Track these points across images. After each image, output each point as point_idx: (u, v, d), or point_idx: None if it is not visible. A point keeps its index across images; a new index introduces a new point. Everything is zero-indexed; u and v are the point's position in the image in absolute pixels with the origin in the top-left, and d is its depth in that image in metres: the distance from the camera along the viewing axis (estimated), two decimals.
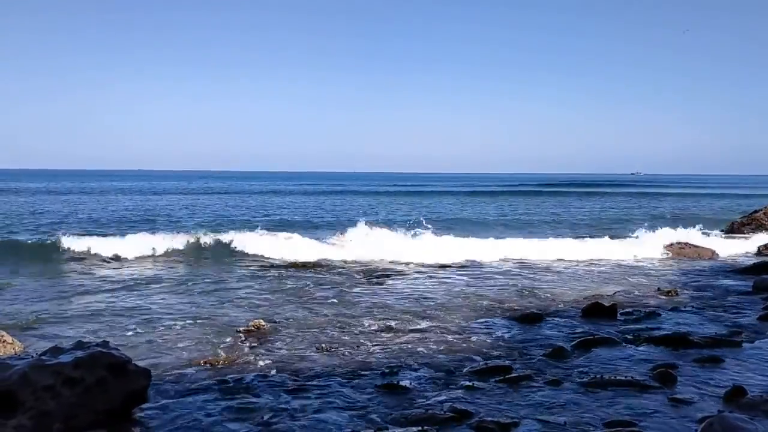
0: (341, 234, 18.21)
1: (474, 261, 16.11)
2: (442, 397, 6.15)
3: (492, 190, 65.29)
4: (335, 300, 11.08)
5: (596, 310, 10.01)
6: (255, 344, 8.19)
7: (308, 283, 12.87)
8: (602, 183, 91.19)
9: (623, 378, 6.61)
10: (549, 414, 5.67)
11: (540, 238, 20.05)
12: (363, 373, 7.02)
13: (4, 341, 7.42)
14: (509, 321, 9.61)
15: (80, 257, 15.76)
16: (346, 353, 7.84)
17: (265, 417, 5.61)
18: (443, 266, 15.16)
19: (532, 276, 14.06)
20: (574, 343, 8.22)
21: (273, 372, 7.02)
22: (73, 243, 16.38)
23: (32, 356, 5.41)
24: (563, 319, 9.75)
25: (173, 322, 9.27)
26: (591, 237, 20.74)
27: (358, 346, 8.11)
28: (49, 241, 17.34)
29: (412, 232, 18.15)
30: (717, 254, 17.98)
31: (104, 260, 15.51)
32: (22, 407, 4.76)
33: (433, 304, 10.86)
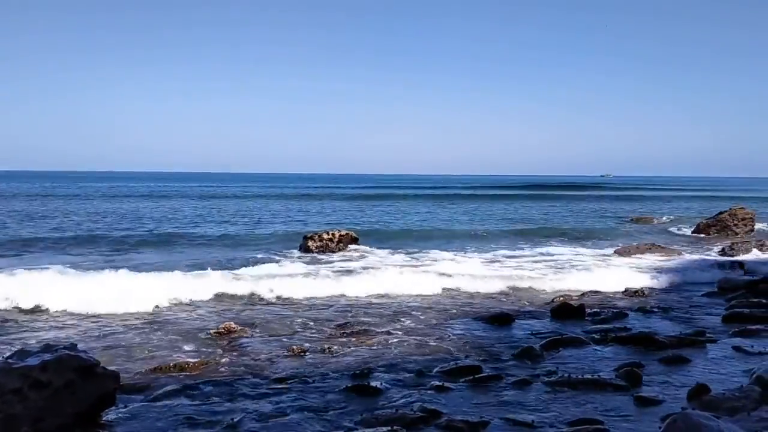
0: None
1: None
2: (413, 398, 6.19)
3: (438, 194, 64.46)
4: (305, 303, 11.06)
5: (565, 311, 10.15)
6: (225, 347, 8.17)
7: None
8: (572, 185, 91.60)
9: (590, 377, 6.71)
10: (517, 413, 5.75)
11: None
12: (333, 375, 7.04)
13: None
14: (479, 322, 9.70)
15: None
16: (316, 356, 7.86)
17: (234, 420, 5.60)
18: None
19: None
20: (542, 343, 8.33)
21: (242, 375, 7.02)
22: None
23: None
24: (533, 320, 9.87)
25: (143, 325, 9.20)
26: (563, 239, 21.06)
27: (327, 349, 8.13)
28: None
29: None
30: (683, 255, 18.27)
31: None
32: None
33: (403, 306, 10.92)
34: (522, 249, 19.24)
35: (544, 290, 12.67)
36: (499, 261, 16.63)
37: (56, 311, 10.02)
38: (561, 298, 11.39)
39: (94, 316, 9.82)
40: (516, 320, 9.83)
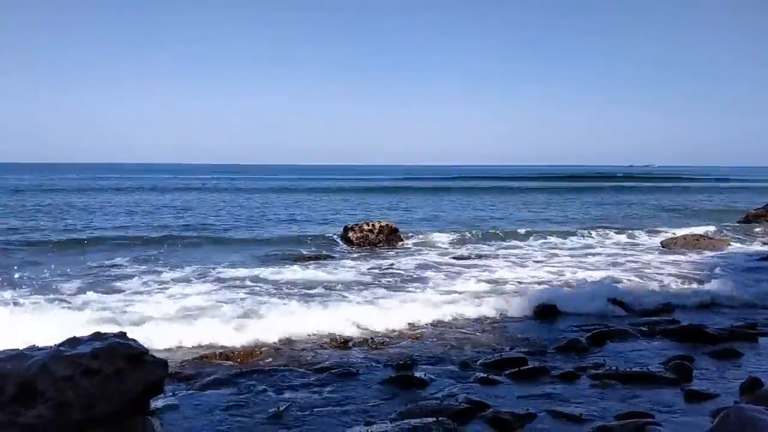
0: None
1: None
2: (456, 389, 6.16)
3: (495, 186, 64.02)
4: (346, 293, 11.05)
5: (611, 303, 9.98)
6: (270, 337, 8.22)
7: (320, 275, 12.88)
8: (615, 176, 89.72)
9: (639, 370, 6.59)
10: (564, 406, 5.67)
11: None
12: (376, 365, 7.04)
13: None
14: (524, 313, 9.59)
15: None
16: (359, 346, 7.86)
17: (280, 409, 5.64)
18: None
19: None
20: (588, 335, 8.21)
21: (287, 364, 7.05)
22: None
23: (50, 347, 5.46)
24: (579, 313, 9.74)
25: (189, 314, 9.32)
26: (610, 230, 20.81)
27: (371, 339, 8.12)
28: None
29: None
30: (731, 245, 17.82)
31: None
32: (41, 397, 4.81)
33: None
34: (573, 241, 18.90)
35: (594, 278, 12.42)
36: (555, 253, 16.43)
37: None
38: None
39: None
40: (562, 312, 9.70)
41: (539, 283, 11.88)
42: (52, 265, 12.96)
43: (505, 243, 18.37)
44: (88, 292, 10.58)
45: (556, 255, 16.09)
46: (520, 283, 11.93)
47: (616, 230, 20.87)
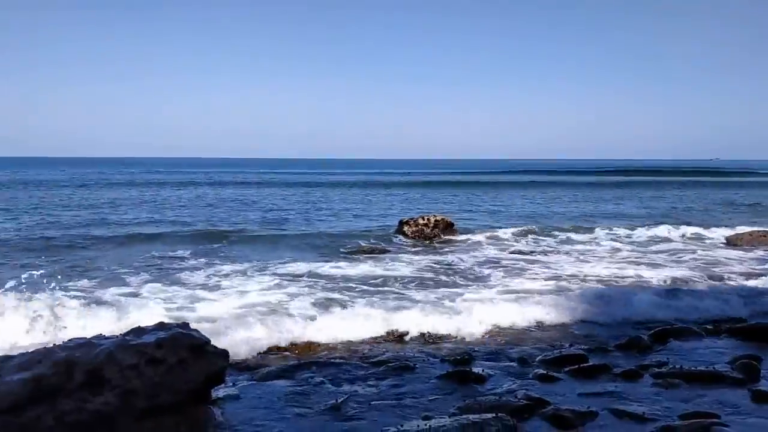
0: None
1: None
2: (515, 386, 6.10)
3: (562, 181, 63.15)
4: (404, 289, 11.02)
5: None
6: (328, 330, 8.28)
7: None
8: (682, 170, 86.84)
9: (704, 369, 6.41)
10: (627, 404, 5.55)
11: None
12: (433, 360, 7.02)
13: None
14: (584, 307, 9.41)
15: None
16: (416, 340, 7.85)
17: (338, 401, 5.67)
18: None
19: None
20: (651, 333, 8.02)
21: (344, 358, 7.09)
22: None
23: (116, 336, 5.61)
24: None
25: (249, 307, 9.46)
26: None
27: (428, 333, 8.10)
28: None
29: None
30: None
31: None
32: (108, 385, 4.94)
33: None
34: (635, 237, 18.45)
35: (658, 276, 12.11)
36: (617, 248, 16.15)
37: None
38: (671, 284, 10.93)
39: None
40: (624, 306, 9.48)
41: (601, 280, 11.65)
42: (119, 258, 13.40)
43: (564, 238, 18.06)
44: (152, 284, 10.89)
45: (619, 251, 15.76)
46: (581, 279, 11.72)
47: (680, 225, 20.30)
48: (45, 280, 11.10)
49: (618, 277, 12.09)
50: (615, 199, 36.28)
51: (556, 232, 18.87)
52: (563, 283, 11.34)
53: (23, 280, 10.92)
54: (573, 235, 18.44)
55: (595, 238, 18.10)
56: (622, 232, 19.01)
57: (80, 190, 40.57)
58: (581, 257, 14.55)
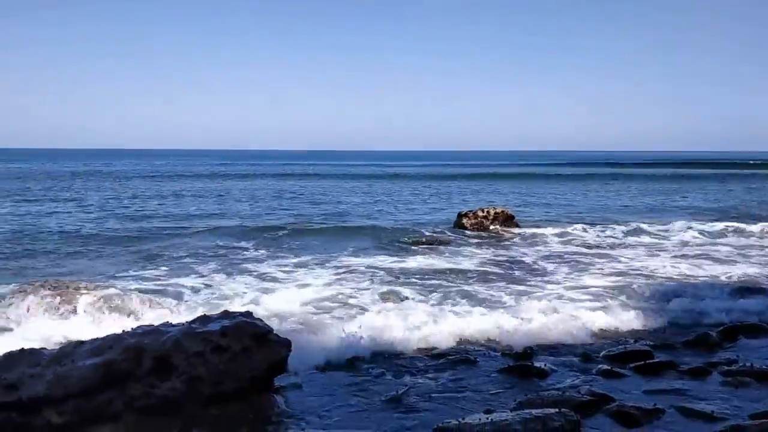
0: None
1: None
2: (578, 381, 6.00)
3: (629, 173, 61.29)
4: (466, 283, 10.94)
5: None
6: (388, 320, 8.31)
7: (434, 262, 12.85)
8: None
9: None
10: (694, 403, 5.39)
11: None
12: (494, 353, 6.96)
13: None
14: (648, 304, 9.18)
15: None
16: (479, 333, 7.79)
17: (398, 392, 5.68)
18: None
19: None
20: (719, 329, 7.77)
21: (406, 349, 7.08)
22: None
23: (183, 324, 5.74)
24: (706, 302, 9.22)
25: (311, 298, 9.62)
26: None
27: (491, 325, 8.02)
28: None
29: None
30: None
31: None
32: (175, 371, 5.07)
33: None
34: (703, 231, 17.71)
35: (728, 273, 11.72)
36: (685, 241, 15.79)
37: None
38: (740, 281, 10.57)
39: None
40: (691, 302, 9.23)
41: (669, 276, 11.35)
42: (187, 249, 13.78)
43: (629, 231, 17.53)
44: (219, 275, 11.17)
45: (688, 245, 15.32)
46: (648, 275, 11.42)
47: (752, 220, 19.50)
48: (116, 270, 11.50)
49: (686, 273, 11.74)
50: (680, 191, 35.26)
51: (620, 226, 18.36)
52: (629, 278, 11.09)
53: (97, 269, 11.36)
54: (638, 229, 17.85)
55: (662, 231, 17.50)
56: (691, 226, 18.31)
57: (147, 181, 41.92)
58: (648, 252, 14.13)
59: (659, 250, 14.28)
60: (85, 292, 8.57)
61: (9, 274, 10.92)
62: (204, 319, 5.72)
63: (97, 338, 5.35)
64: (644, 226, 18.23)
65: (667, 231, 17.56)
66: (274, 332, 5.78)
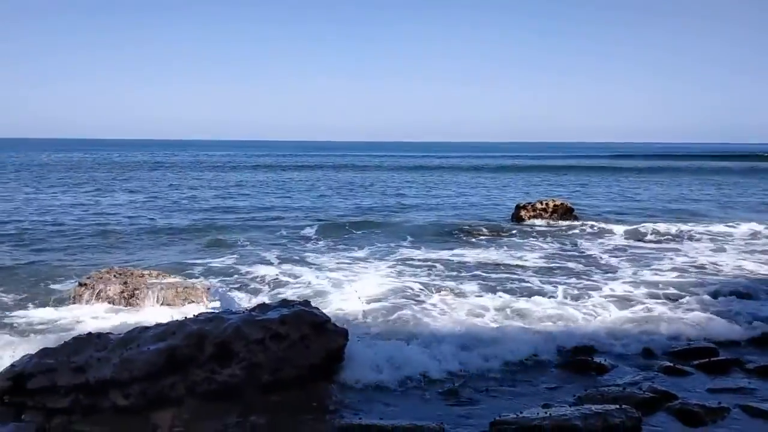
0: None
1: None
2: (639, 377, 5.87)
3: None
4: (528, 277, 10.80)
5: None
6: (446, 310, 8.30)
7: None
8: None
9: None
10: (761, 402, 5.22)
11: None
12: (553, 348, 6.86)
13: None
14: (713, 300, 8.91)
15: None
16: (539, 326, 7.71)
17: (455, 385, 5.67)
18: None
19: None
20: None
21: (460, 339, 7.02)
22: None
23: (243, 311, 5.84)
24: None
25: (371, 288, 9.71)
26: None
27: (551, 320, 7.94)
28: None
29: None
30: None
31: None
32: (236, 357, 5.17)
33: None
34: None
35: None
36: (757, 232, 15.39)
37: None
38: None
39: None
40: (756, 297, 8.96)
41: (734, 273, 10.98)
42: (252, 240, 14.08)
43: (694, 226, 16.99)
44: (285, 264, 11.43)
45: (756, 239, 14.81)
46: (714, 271, 11.08)
47: None
48: (183, 257, 11.84)
49: (754, 269, 11.35)
50: (748, 185, 33.94)
51: (684, 219, 17.84)
52: (692, 274, 10.81)
53: (164, 258, 11.71)
54: (703, 224, 17.27)
55: (730, 227, 16.81)
56: (753, 224, 17.50)
57: (210, 171, 43.07)
58: (713, 247, 13.61)
59: (725, 246, 13.75)
60: (150, 278, 8.82)
61: (80, 263, 11.28)
62: (263, 307, 5.82)
63: (161, 324, 5.50)
64: (710, 221, 17.68)
65: (734, 226, 16.82)
66: (332, 321, 5.83)
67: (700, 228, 16.43)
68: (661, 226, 16.58)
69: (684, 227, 16.62)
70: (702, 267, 11.43)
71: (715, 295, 9.07)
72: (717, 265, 11.62)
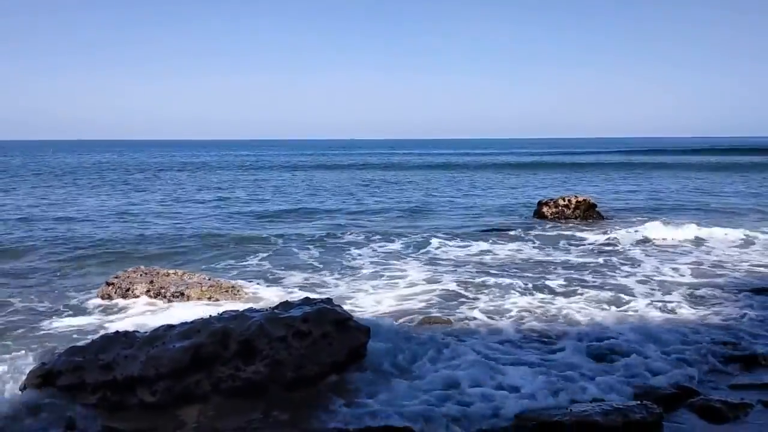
0: None
1: None
2: (661, 373, 5.84)
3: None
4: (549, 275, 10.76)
5: None
6: (470, 306, 8.35)
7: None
8: None
9: None
10: None
11: None
12: (570, 340, 6.85)
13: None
14: (736, 295, 8.84)
15: None
16: (557, 319, 7.72)
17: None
18: None
19: None
20: None
21: (485, 335, 7.06)
22: None
23: (266, 309, 5.93)
24: None
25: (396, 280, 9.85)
26: None
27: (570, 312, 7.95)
28: None
29: None
30: None
31: None
32: (259, 355, 5.25)
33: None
34: None
35: None
36: None
37: None
38: None
39: None
40: None
41: (753, 270, 10.81)
42: (287, 238, 14.26)
43: (717, 221, 16.75)
44: (316, 263, 11.61)
45: None
46: (733, 268, 10.88)
47: None
48: (212, 258, 12.02)
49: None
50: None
51: (710, 218, 17.52)
52: (714, 270, 10.69)
53: (191, 257, 11.88)
54: (730, 221, 16.99)
55: (758, 223, 16.40)
56: None
57: (241, 172, 43.69)
58: (739, 244, 13.30)
59: (749, 244, 13.44)
60: (176, 277, 8.97)
61: (110, 264, 11.41)
62: (286, 305, 5.90)
63: (186, 322, 5.61)
64: (741, 218, 17.48)
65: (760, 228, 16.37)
66: (354, 319, 5.89)
67: (728, 225, 16.04)
68: (683, 222, 16.36)
69: (707, 224, 16.39)
70: (724, 263, 11.27)
71: (738, 293, 8.97)
72: (740, 261, 11.44)
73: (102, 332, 6.01)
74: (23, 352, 6.33)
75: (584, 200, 17.89)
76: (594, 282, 9.87)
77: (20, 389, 5.16)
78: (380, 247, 13.27)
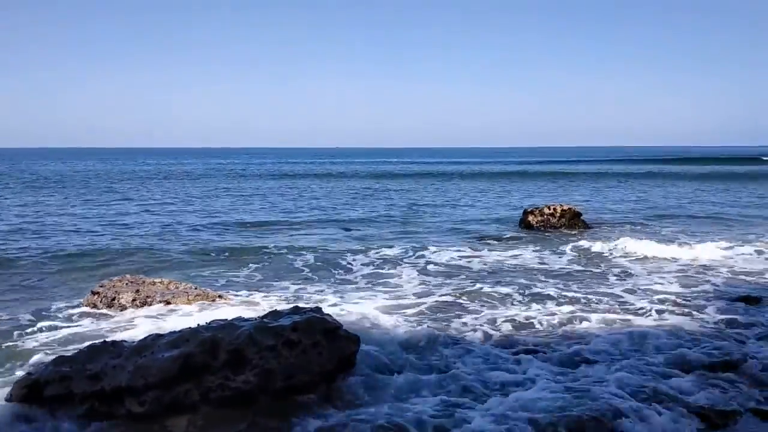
0: None
1: None
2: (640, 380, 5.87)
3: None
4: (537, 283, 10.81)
5: None
6: (459, 314, 8.37)
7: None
8: None
9: None
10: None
11: None
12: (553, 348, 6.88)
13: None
14: (722, 302, 8.90)
15: None
16: (552, 328, 7.76)
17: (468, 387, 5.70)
18: None
19: None
20: None
21: (477, 344, 7.07)
22: None
23: (255, 319, 5.90)
24: None
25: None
26: None
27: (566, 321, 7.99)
28: None
29: None
30: None
31: None
32: (249, 364, 5.22)
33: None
34: None
35: None
36: None
37: None
38: None
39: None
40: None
41: (737, 274, 10.99)
42: (279, 247, 14.13)
43: (702, 229, 16.94)
44: (310, 273, 11.54)
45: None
46: (725, 273, 11.07)
47: None
48: (199, 267, 11.96)
49: (743, 268, 11.51)
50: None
51: (703, 228, 17.67)
52: (703, 276, 10.80)
53: (189, 270, 11.80)
54: (720, 232, 16.97)
55: (741, 232, 16.60)
56: None
57: (233, 180, 43.67)
58: (724, 256, 13.06)
59: (735, 252, 13.49)
60: (162, 286, 8.92)
61: (96, 273, 11.31)
62: (275, 314, 5.87)
63: (175, 331, 5.57)
64: (729, 226, 17.63)
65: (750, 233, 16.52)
66: (343, 328, 5.88)
67: (712, 234, 16.24)
68: (668, 231, 16.59)
69: (693, 231, 16.61)
70: (713, 269, 11.40)
71: (724, 304, 9.04)
72: (731, 267, 11.62)
73: (89, 342, 5.94)
74: (9, 362, 6.27)
75: (569, 209, 18.01)
76: (577, 291, 9.88)
77: (6, 400, 5.10)
78: (369, 256, 13.22)
